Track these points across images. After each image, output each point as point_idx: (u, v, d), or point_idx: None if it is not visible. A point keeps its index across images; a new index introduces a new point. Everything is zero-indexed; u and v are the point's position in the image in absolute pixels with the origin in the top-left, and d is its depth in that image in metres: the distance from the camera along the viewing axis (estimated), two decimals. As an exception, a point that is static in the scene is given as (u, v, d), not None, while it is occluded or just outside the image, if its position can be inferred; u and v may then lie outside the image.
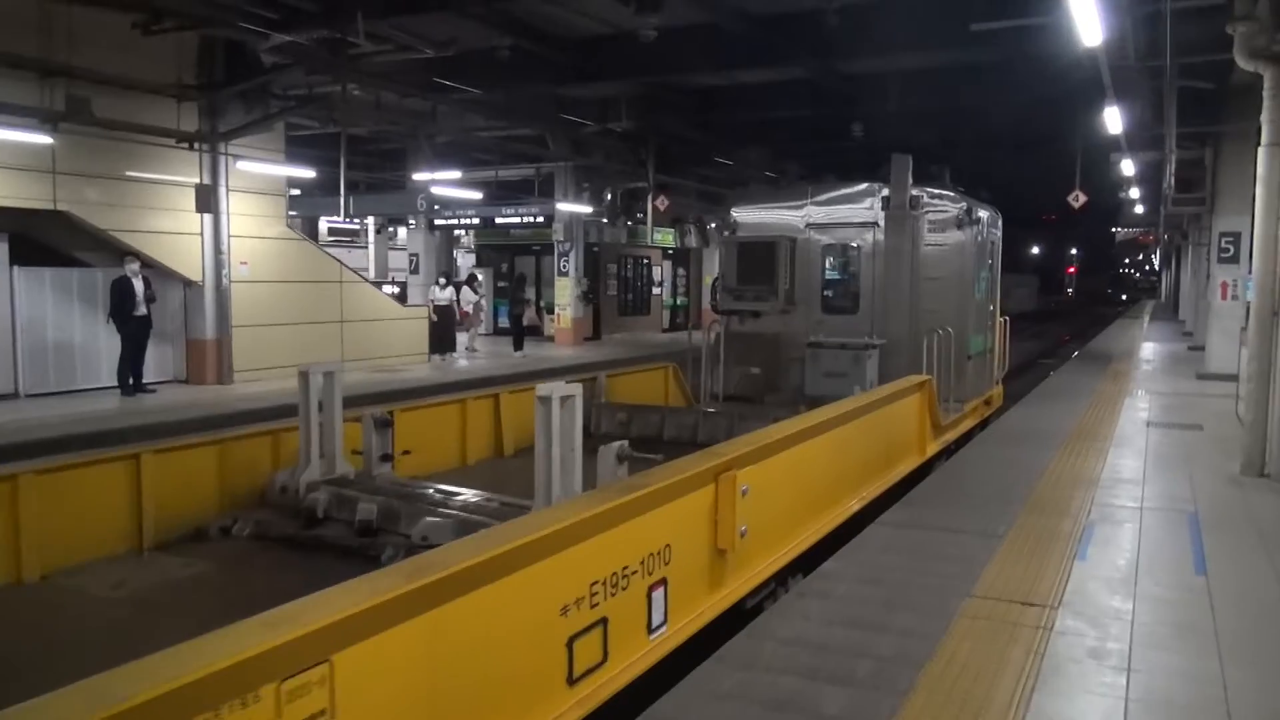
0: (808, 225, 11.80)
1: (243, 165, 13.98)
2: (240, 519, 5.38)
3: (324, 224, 47.25)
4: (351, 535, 5.07)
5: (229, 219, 14.14)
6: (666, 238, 29.76)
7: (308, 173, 15.19)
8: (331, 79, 13.96)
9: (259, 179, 14.65)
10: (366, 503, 5.12)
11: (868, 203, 11.44)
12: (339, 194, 19.65)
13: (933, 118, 20.17)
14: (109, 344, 13.19)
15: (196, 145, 13.25)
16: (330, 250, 21.03)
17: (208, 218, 13.90)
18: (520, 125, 19.98)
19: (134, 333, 12.78)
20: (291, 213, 28.66)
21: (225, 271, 14.21)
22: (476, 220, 25.34)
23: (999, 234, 12.90)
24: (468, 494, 5.35)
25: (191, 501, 5.40)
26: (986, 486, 7.60)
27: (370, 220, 31.06)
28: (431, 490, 5.46)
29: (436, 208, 24.74)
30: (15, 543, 4.68)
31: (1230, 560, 5.65)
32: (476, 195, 22.22)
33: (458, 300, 20.58)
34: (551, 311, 24.56)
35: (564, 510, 3.89)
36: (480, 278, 23.47)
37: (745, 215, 12.20)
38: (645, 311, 29.94)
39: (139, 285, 12.71)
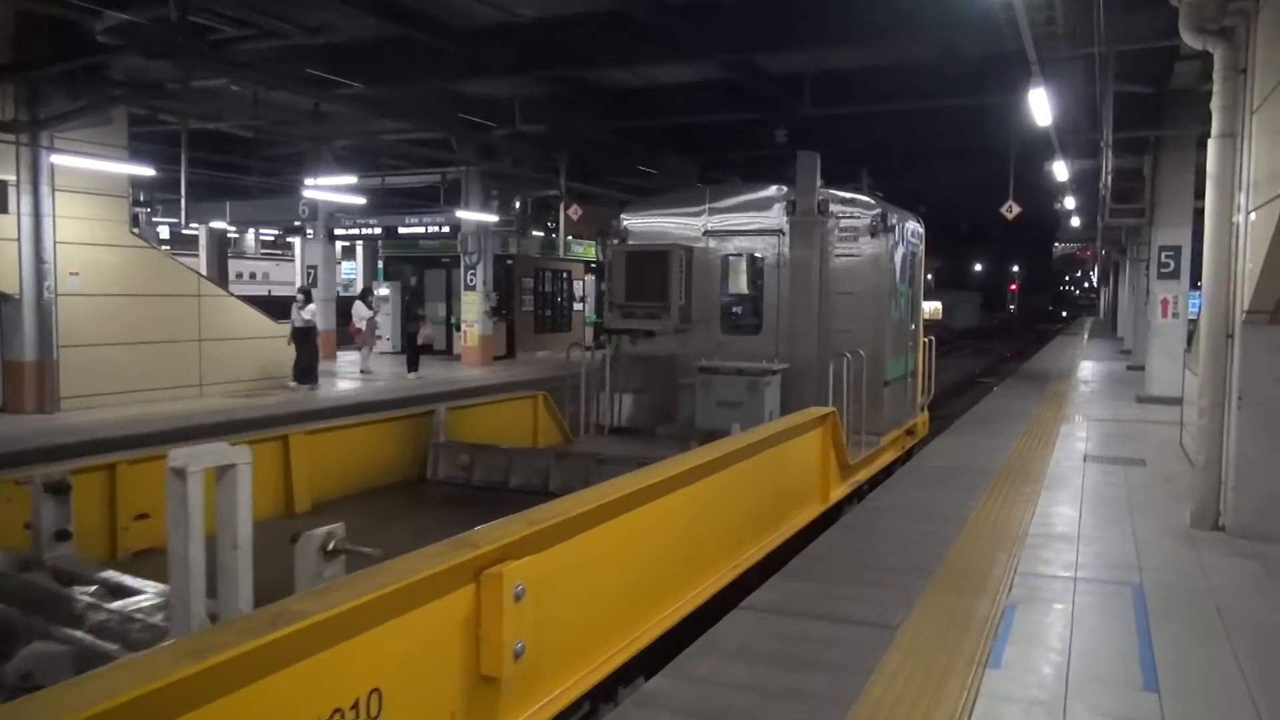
0: (706, 233, 10.40)
1: (65, 160, 12.16)
2: None
3: (249, 235, 45.11)
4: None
5: (54, 222, 12.31)
6: (588, 250, 28.28)
7: (146, 170, 13.43)
8: (177, 65, 12.23)
9: (94, 178, 12.84)
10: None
11: (773, 208, 10.08)
12: (222, 199, 17.86)
13: (860, 123, 18.99)
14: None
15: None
16: (259, 263, 19.29)
17: (26, 220, 12.05)
18: (417, 126, 18.35)
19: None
20: (169, 220, 26.84)
21: (48, 283, 12.36)
22: (378, 230, 23.60)
23: (920, 245, 11.62)
24: (146, 594, 3.78)
25: None
26: (893, 546, 6.20)
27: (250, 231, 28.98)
28: (96, 586, 3.89)
29: (338, 215, 23.01)
30: None
31: (1188, 664, 4.28)
32: (360, 200, 20.50)
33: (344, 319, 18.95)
34: (459, 328, 22.89)
35: (185, 649, 2.38)
36: (377, 292, 21.77)
37: (637, 223, 10.77)
38: (566, 328, 28.34)
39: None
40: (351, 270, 36.48)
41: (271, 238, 43.80)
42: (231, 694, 2.39)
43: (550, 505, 3.90)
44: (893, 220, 9.93)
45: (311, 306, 16.62)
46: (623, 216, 10.84)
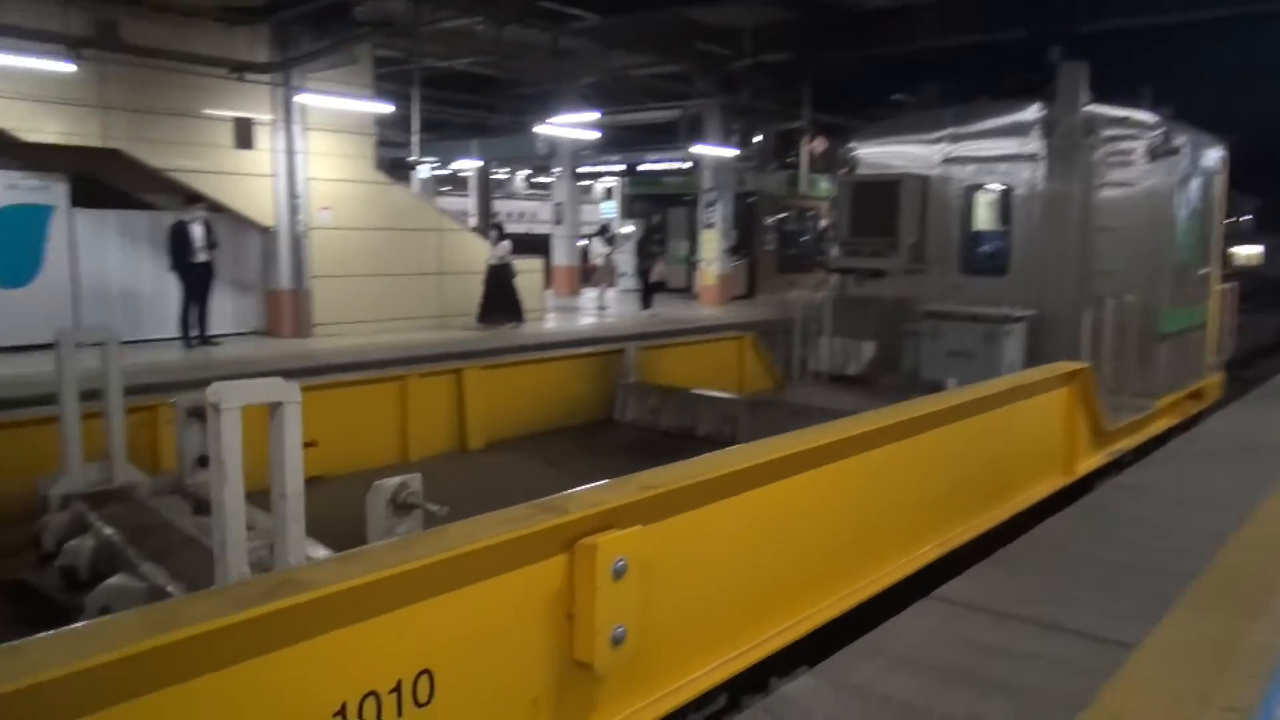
0: (947, 161, 9.16)
1: (313, 99, 12.77)
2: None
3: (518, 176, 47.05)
4: (58, 585, 3.46)
5: (306, 159, 13.03)
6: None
7: (387, 108, 13.90)
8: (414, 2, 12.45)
9: (343, 117, 13.46)
10: (87, 538, 3.47)
11: (1028, 131, 8.68)
12: (472, 138, 18.40)
13: (1152, 38, 16.35)
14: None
15: (248, 76, 12.07)
16: (526, 204, 19.96)
17: (280, 157, 12.83)
18: (654, 59, 17.90)
19: (193, 281, 11.94)
20: (429, 159, 28.19)
21: (301, 217, 13.15)
22: (621, 167, 23.56)
23: (1221, 174, 9.67)
24: (255, 529, 3.57)
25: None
26: (1145, 538, 5.03)
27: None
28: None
29: (581, 154, 23.20)
30: None
31: None
32: (594, 135, 20.36)
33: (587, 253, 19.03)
34: (696, 266, 22.51)
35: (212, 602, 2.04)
36: (620, 230, 21.73)
37: (868, 151, 9.69)
38: (812, 268, 27.21)
39: (197, 230, 11.81)
40: (610, 210, 37.09)
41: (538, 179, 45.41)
42: (198, 677, 2.00)
43: (671, 468, 3.28)
44: (1179, 141, 8.23)
45: (505, 244, 16.00)
46: (852, 144, 9.79)
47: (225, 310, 13.06)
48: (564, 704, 2.89)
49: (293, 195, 13.04)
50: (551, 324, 16.68)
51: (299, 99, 12.68)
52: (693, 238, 24.58)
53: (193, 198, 11.99)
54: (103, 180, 12.31)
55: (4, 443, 4.23)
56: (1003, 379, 6.20)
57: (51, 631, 1.91)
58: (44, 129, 10.86)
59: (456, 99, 19.45)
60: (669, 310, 19.63)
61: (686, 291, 23.64)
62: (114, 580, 3.05)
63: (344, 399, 5.43)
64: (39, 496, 4.02)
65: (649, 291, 18.89)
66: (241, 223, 13.03)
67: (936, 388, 6.72)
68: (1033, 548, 4.88)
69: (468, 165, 28.82)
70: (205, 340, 12.19)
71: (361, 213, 14.01)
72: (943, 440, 4.80)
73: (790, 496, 3.64)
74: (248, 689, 2.11)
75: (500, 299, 15.48)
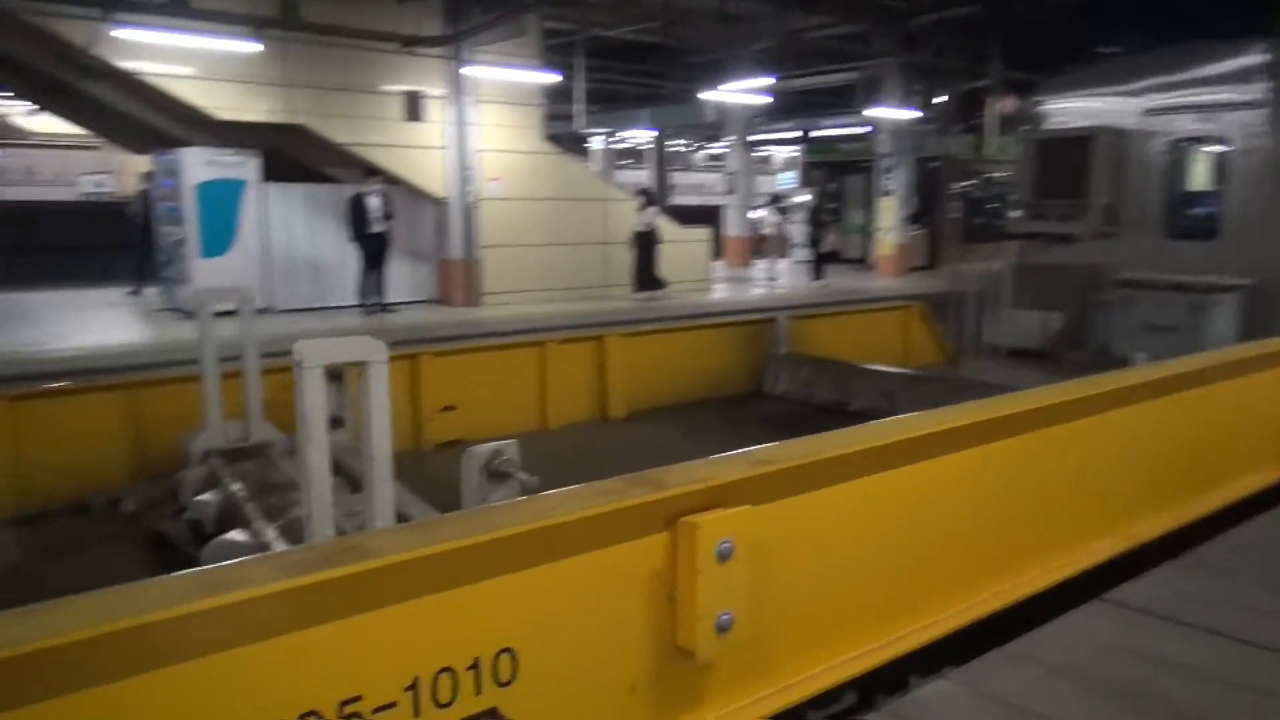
0: (1147, 113, 8.21)
1: (482, 71, 12.97)
2: (135, 492, 4.08)
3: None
4: (187, 537, 3.55)
5: (475, 131, 13.29)
6: (1029, 151, 25.04)
7: (553, 78, 13.92)
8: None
9: (512, 89, 13.62)
10: (215, 493, 3.53)
11: (1250, 79, 7.64)
12: (642, 108, 18.31)
13: None
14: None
15: (419, 50, 12.36)
16: (704, 176, 19.85)
17: (451, 129, 13.14)
18: (831, 20, 17.15)
19: (370, 251, 12.44)
20: (601, 130, 28.30)
21: (471, 188, 13.44)
22: (795, 134, 22.87)
23: None
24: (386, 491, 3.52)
25: (83, 462, 4.19)
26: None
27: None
28: (338, 477, 3.75)
29: (754, 121, 22.67)
30: None
31: None
32: (764, 100, 19.72)
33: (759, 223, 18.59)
34: (873, 236, 21.59)
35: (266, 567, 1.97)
36: (794, 199, 21.11)
37: (1057, 105, 8.84)
38: (1000, 237, 25.56)
39: (374, 202, 12.27)
40: (789, 180, 36.32)
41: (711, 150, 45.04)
42: (248, 644, 1.91)
43: (792, 443, 2.99)
44: None
45: (652, 209, 15.26)
46: (1037, 97, 8.97)
47: (402, 279, 13.58)
48: (665, 693, 2.68)
49: (463, 167, 13.35)
50: (717, 294, 16.42)
51: (468, 71, 12.93)
52: (869, 206, 23.61)
53: (370, 171, 12.48)
54: (288, 155, 13.01)
55: (160, 399, 4.43)
56: (1205, 354, 5.46)
57: (108, 589, 1.86)
58: (235, 107, 11.58)
59: (626, 69, 19.38)
60: (842, 282, 18.94)
61: (862, 263, 22.77)
62: (225, 536, 3.08)
63: (484, 364, 5.41)
64: (183, 451, 4.18)
65: (820, 262, 18.27)
66: (417, 194, 13.48)
67: (1130, 365, 6.03)
68: (1232, 550, 4.25)
69: (645, 138, 28.87)
70: (383, 308, 12.71)
71: (530, 183, 14.20)
72: (1127, 422, 4.24)
73: (934, 480, 3.27)
74: (303, 658, 2.01)
75: (645, 267, 15.05)
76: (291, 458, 4.02)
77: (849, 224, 23.66)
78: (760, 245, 20.00)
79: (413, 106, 12.78)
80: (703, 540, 2.56)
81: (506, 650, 2.34)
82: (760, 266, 20.55)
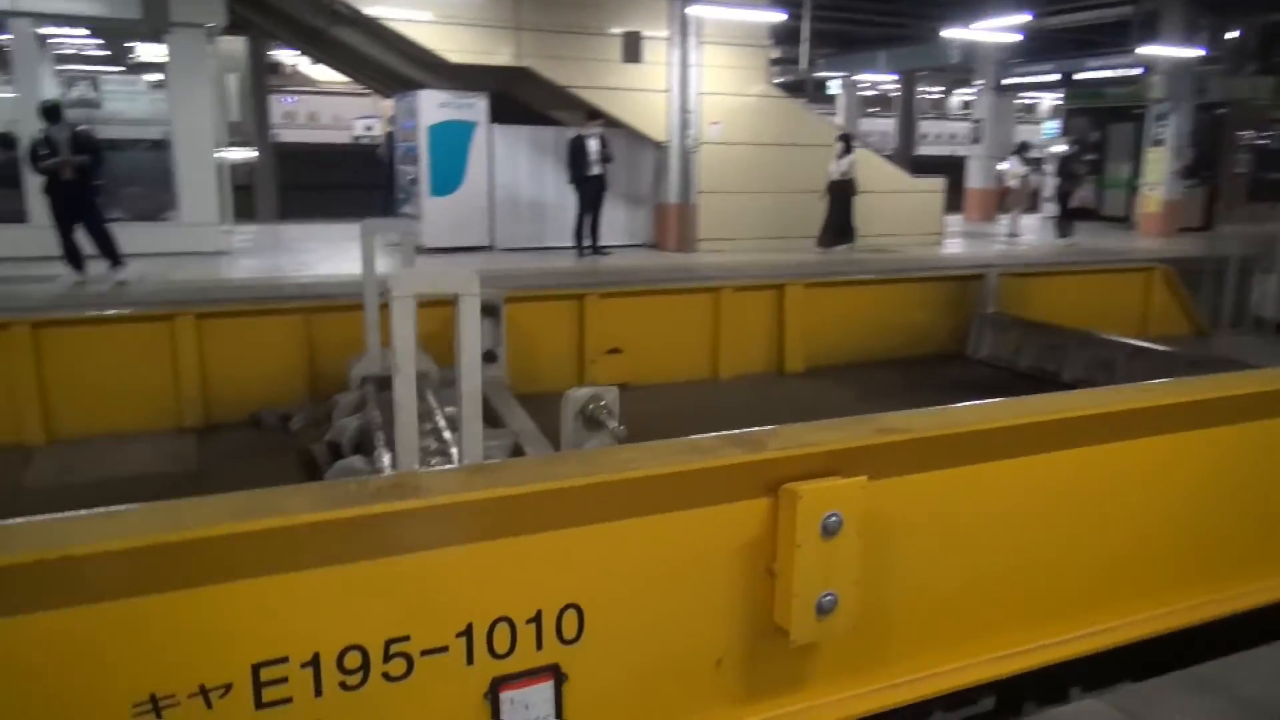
0: None
1: (707, 11, 12.63)
2: (302, 410, 4.28)
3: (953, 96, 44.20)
4: (326, 457, 3.64)
5: (698, 73, 13.03)
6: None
7: (778, 17, 13.29)
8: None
9: (736, 29, 13.22)
10: (355, 418, 3.60)
11: None
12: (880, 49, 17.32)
13: None
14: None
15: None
16: (959, 125, 18.68)
17: (674, 71, 12.95)
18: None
19: (587, 194, 12.57)
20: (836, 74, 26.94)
21: (691, 132, 13.24)
22: (1054, 77, 20.83)
23: None
24: (490, 430, 3.46)
25: (260, 379, 4.43)
26: None
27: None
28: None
29: (1008, 65, 20.87)
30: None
31: None
32: (1013, 38, 17.90)
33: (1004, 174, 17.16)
34: (1138, 192, 19.37)
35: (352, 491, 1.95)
36: (1048, 150, 19.29)
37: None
38: (1298, 197, 22.22)
39: (593, 145, 12.36)
40: (1052, 130, 33.43)
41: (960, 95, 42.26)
42: (289, 571, 1.87)
43: (931, 412, 2.62)
44: None
45: (850, 158, 13.83)
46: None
47: (618, 223, 13.68)
48: (758, 671, 2.45)
49: (684, 110, 13.17)
50: (943, 250, 15.36)
51: (693, 11, 12.68)
52: (1137, 158, 21.19)
53: (592, 114, 12.57)
54: (516, 97, 13.37)
55: (332, 325, 4.62)
56: None
57: (157, 502, 1.89)
58: (467, 50, 11.99)
59: (863, 6, 18.32)
60: (1093, 241, 17.19)
61: (1125, 221, 20.55)
62: (346, 460, 3.14)
63: (654, 308, 5.26)
64: (345, 375, 4.34)
65: (1069, 218, 16.63)
66: (637, 138, 13.47)
67: None
68: None
69: (894, 84, 27.40)
70: (596, 250, 12.87)
71: (752, 127, 13.81)
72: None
73: (1117, 467, 2.78)
74: (349, 590, 1.96)
75: (837, 217, 13.88)
76: (444, 389, 4.07)
77: (1112, 178, 21.40)
78: (1004, 199, 18.49)
79: (635, 48, 12.71)
80: (804, 511, 2.29)
81: (572, 607, 2.20)
82: (1002, 221, 19.05)
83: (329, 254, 11.79)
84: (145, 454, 4.00)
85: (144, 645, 1.82)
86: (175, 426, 4.30)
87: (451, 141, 12.77)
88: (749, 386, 5.31)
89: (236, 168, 16.45)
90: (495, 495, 2.05)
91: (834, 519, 2.32)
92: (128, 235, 10.13)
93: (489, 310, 4.34)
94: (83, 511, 1.83)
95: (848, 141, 13.99)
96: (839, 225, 13.87)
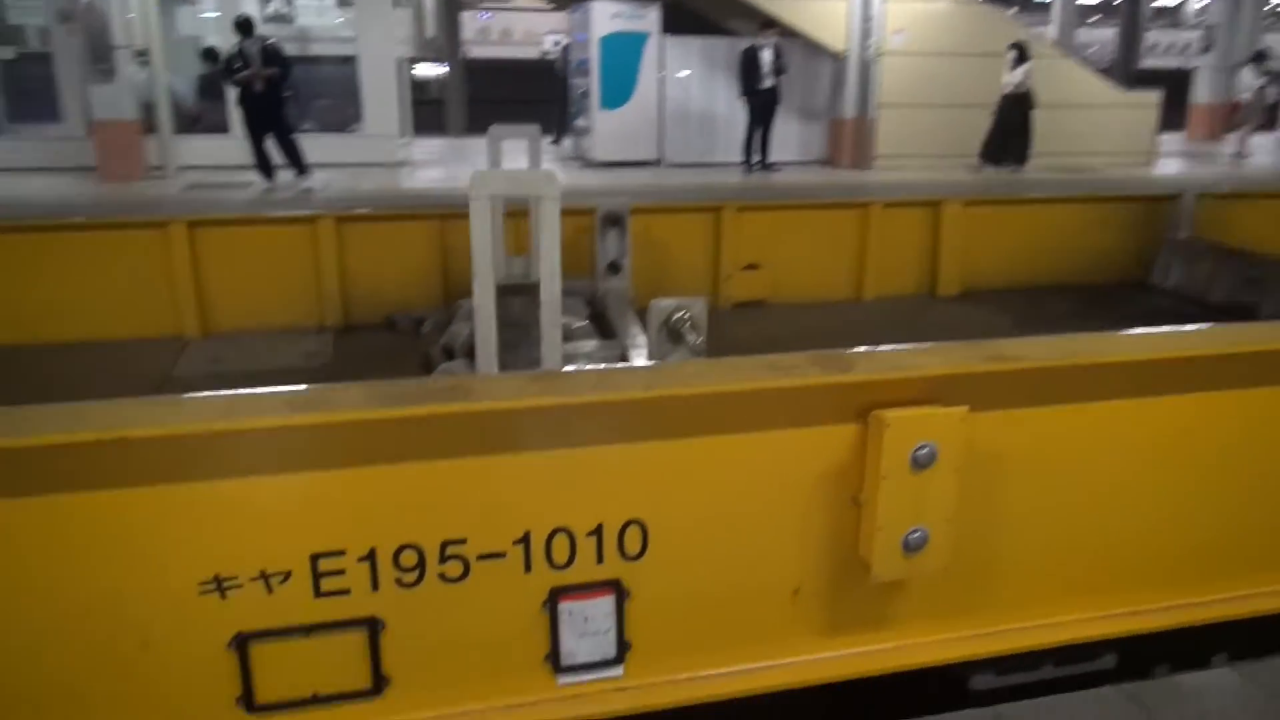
0: None
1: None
2: (433, 315, 4.34)
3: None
4: (440, 361, 3.66)
5: (883, -22, 12.23)
6: None
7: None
8: None
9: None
10: (468, 324, 3.59)
11: None
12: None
13: None
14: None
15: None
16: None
17: (858, -24, 12.21)
18: None
19: (758, 107, 12.15)
20: None
21: (873, 40, 12.48)
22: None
23: None
24: (596, 343, 3.37)
25: (396, 282, 4.51)
26: None
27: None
28: (585, 324, 3.63)
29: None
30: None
31: None
32: None
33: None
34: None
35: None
36: (1276, 58, 16.98)
37: None
38: None
39: (767, 56, 11.88)
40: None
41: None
42: (339, 468, 1.88)
43: (1054, 340, 2.33)
44: None
45: (1025, 68, 12.26)
46: None
47: (790, 137, 13.19)
48: (840, 606, 2.32)
49: (865, 17, 12.41)
50: (1154, 170, 13.93)
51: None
52: None
53: (766, 23, 12.06)
54: (690, 7, 13.00)
55: (467, 230, 4.65)
56: None
57: (205, 393, 1.93)
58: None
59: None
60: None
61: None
62: (446, 364, 3.16)
63: (795, 222, 5.00)
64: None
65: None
66: (813, 49, 12.85)
67: None
68: None
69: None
70: (765, 166, 12.49)
71: (939, 36, 12.86)
72: None
73: (1270, 414, 2.40)
74: (399, 490, 1.96)
75: (1010, 134, 12.51)
76: (565, 299, 4.03)
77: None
78: (1234, 114, 16.53)
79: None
80: (892, 440, 2.10)
81: (635, 523, 2.12)
82: (1230, 141, 17.08)
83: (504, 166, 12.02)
84: (286, 350, 4.24)
85: (208, 529, 1.89)
86: (317, 325, 4.52)
87: (623, 53, 12.62)
88: (895, 309, 5.00)
89: (428, 82, 16.94)
90: (548, 404, 1.98)
91: (926, 451, 2.12)
92: (315, 146, 10.67)
93: (614, 220, 4.25)
94: (150, 397, 1.90)
95: (1022, 50, 12.61)
96: (1009, 142, 12.67)
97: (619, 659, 2.21)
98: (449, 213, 4.51)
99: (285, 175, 10.39)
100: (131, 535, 1.85)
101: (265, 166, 10.26)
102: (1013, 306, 4.82)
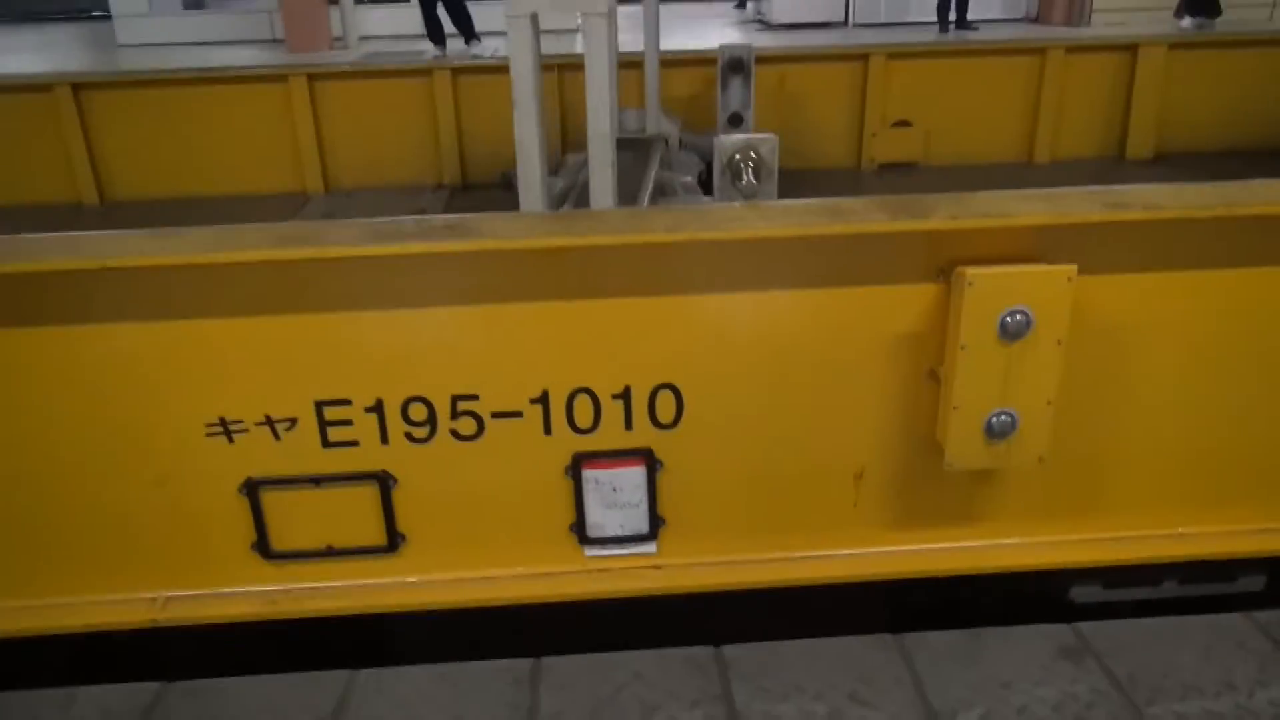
0: None
1: None
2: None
3: None
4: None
5: None
6: None
7: None
8: None
9: None
10: (571, 176, 3.35)
11: None
12: None
13: None
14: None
15: None
16: None
17: None
18: None
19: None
20: None
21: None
22: None
23: None
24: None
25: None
26: None
27: None
28: (696, 173, 3.28)
29: None
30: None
31: None
32: None
33: None
34: None
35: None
36: None
37: None
38: None
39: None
40: None
41: None
42: (323, 311, 1.74)
43: (1185, 187, 1.86)
44: None
45: None
46: None
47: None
48: (912, 496, 2.02)
49: None
50: None
51: None
52: None
53: None
54: None
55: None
56: None
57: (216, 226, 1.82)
58: None
59: None
60: None
61: None
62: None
63: (956, 72, 4.39)
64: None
65: None
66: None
67: None
68: None
69: None
70: (963, 24, 11.27)
71: None
72: None
73: None
74: (402, 336, 1.80)
75: None
76: (680, 151, 3.74)
77: None
78: None
79: None
80: (975, 302, 1.75)
81: (668, 387, 1.89)
82: None
83: (679, 29, 11.52)
84: (400, 206, 4.19)
85: (214, 368, 1.82)
86: (435, 182, 4.43)
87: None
88: (1074, 173, 4.34)
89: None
90: (561, 245, 1.75)
91: (1019, 317, 1.74)
92: (483, 13, 10.54)
93: (736, 67, 3.83)
94: (156, 229, 1.81)
95: None
96: None
97: (652, 535, 2.02)
98: (566, 64, 4.23)
99: (456, 44, 10.37)
100: (140, 371, 1.80)
101: (436, 34, 10.24)
102: (1219, 173, 4.08)
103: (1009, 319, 1.74)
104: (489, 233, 1.74)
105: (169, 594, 2.00)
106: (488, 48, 10.22)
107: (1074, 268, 1.72)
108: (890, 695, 1.60)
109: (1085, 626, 1.73)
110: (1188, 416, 1.95)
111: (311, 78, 4.14)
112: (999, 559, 2.03)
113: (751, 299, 1.82)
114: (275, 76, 4.18)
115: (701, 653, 1.71)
